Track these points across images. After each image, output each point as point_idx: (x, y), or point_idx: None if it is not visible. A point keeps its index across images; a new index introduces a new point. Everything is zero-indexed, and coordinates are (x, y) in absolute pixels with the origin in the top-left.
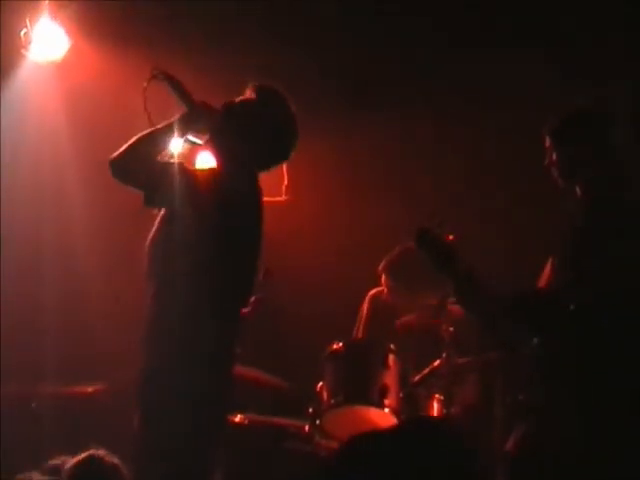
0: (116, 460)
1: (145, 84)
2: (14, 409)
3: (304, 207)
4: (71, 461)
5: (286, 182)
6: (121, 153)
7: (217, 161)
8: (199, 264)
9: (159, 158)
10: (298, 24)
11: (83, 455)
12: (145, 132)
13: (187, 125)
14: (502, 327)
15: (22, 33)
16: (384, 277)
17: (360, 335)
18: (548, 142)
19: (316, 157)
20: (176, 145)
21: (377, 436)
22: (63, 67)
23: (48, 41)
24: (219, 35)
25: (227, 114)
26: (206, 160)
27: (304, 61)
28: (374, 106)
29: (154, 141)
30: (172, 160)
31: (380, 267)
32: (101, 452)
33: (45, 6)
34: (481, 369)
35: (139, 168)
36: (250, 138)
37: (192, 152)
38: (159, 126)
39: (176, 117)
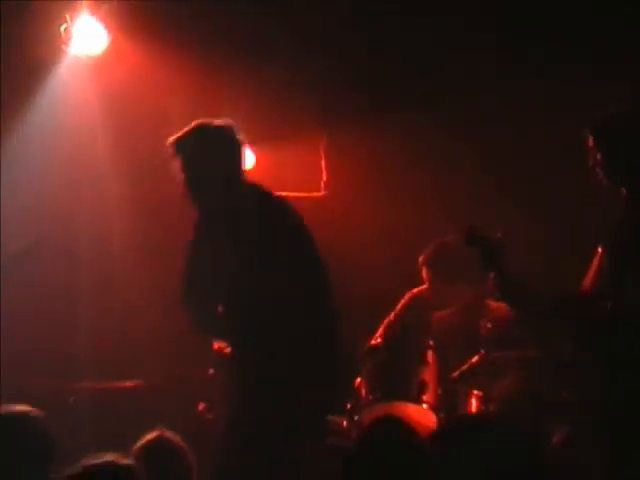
0: (182, 442)
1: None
2: (52, 403)
3: (338, 204)
4: (140, 441)
5: (325, 178)
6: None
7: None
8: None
9: None
10: (326, 27)
11: (152, 435)
12: None
13: None
14: (544, 327)
15: (62, 29)
16: (424, 269)
17: (391, 328)
18: (591, 142)
19: (350, 156)
20: None
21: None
22: (102, 62)
23: (88, 37)
24: (246, 37)
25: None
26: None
27: (335, 64)
28: (407, 108)
29: None
30: None
31: (420, 260)
32: (169, 433)
33: (85, 3)
34: (519, 365)
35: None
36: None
37: None
38: None
39: None
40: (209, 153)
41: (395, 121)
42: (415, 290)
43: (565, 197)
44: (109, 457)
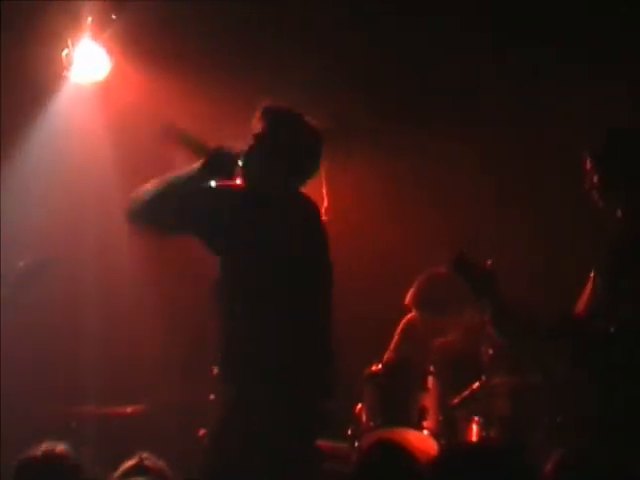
0: (164, 467)
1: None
2: (54, 428)
3: (346, 224)
4: (120, 468)
5: (326, 204)
6: (140, 205)
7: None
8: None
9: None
10: (338, 43)
11: (132, 461)
12: (165, 180)
13: (208, 174)
14: (538, 352)
15: (64, 54)
16: (412, 310)
17: (393, 357)
18: (589, 164)
19: (358, 175)
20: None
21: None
22: (105, 87)
23: (90, 62)
24: (259, 55)
25: (248, 153)
26: None
27: (347, 81)
28: (416, 125)
29: (175, 191)
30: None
31: (407, 300)
32: (150, 458)
33: (87, 26)
34: (518, 391)
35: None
36: (276, 165)
37: None
38: (179, 174)
39: (194, 167)
40: (297, 149)
41: (404, 141)
42: (410, 316)
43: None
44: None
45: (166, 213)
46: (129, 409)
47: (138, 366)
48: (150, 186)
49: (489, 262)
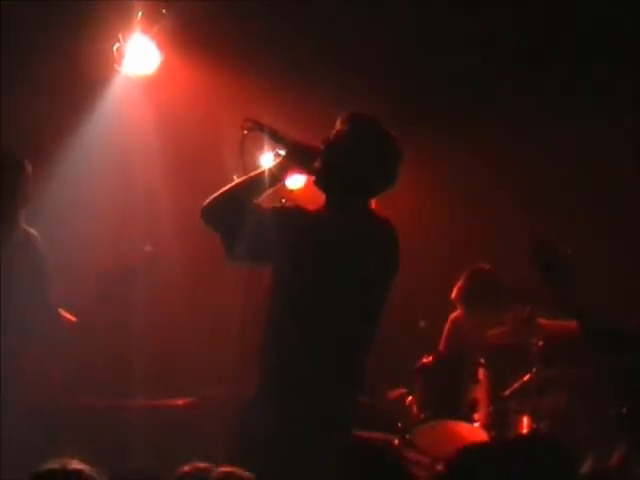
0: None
1: (242, 134)
2: (107, 421)
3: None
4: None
5: None
6: (214, 199)
7: (325, 197)
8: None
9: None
10: (367, 49)
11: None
12: (241, 179)
13: (292, 165)
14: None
15: (115, 48)
16: (458, 306)
17: (444, 349)
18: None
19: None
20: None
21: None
22: (154, 81)
23: (140, 56)
24: (300, 53)
25: (328, 151)
26: (296, 182)
27: (373, 83)
28: (451, 124)
29: (250, 188)
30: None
31: (452, 296)
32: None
33: (137, 22)
34: (571, 383)
35: (231, 216)
36: (353, 170)
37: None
38: (255, 172)
39: (273, 163)
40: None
41: (440, 141)
42: (455, 314)
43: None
44: (59, 462)
45: (231, 217)
46: (179, 402)
47: (188, 360)
48: (227, 186)
49: (568, 250)
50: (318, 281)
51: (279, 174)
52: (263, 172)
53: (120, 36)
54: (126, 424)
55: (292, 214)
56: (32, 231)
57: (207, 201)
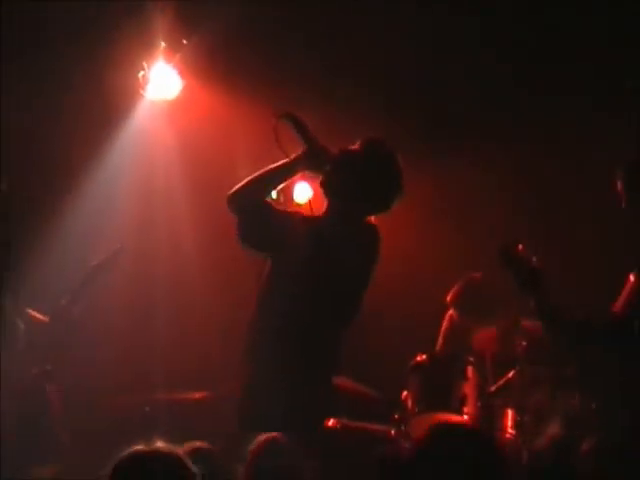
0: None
1: (274, 122)
2: (131, 413)
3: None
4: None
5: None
6: (238, 187)
7: (326, 202)
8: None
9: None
10: (380, 66)
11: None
12: (264, 169)
13: (307, 163)
14: (578, 346)
15: (140, 75)
16: (452, 310)
17: (440, 348)
18: (620, 186)
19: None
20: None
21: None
22: (176, 105)
23: (163, 82)
24: (319, 81)
25: (341, 160)
26: (304, 192)
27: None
28: (452, 140)
29: (271, 178)
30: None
31: (448, 299)
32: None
33: (161, 50)
34: (551, 380)
35: (250, 204)
36: (356, 186)
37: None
38: (278, 163)
39: (296, 155)
40: (380, 189)
41: (440, 155)
42: (450, 313)
43: None
44: (158, 445)
45: (250, 204)
46: (197, 395)
47: (207, 354)
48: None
49: (535, 259)
50: (314, 274)
51: (293, 168)
52: (281, 165)
53: (145, 64)
54: (148, 415)
55: (295, 218)
56: None
57: (233, 189)
